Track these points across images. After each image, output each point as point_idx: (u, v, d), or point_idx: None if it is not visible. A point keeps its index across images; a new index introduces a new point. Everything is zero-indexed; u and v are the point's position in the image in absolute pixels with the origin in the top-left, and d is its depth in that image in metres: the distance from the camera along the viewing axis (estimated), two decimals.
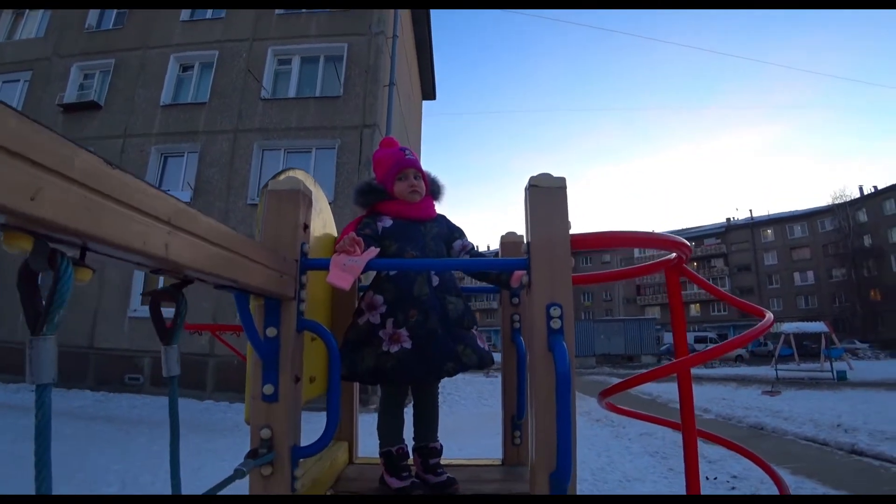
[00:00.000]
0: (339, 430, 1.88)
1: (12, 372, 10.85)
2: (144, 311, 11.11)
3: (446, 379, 1.80)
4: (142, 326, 10.71)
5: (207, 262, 0.81)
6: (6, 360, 11.14)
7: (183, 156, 12.38)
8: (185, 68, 13.07)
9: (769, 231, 49.89)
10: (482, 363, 1.72)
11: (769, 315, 1.70)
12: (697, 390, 13.77)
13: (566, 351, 1.08)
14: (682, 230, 54.58)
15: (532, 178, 1.25)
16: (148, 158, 12.20)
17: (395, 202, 1.86)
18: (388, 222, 1.82)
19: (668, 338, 36.59)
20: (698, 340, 32.98)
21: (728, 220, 53.40)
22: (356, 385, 2.02)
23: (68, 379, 10.45)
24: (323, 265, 1.33)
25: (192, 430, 6.46)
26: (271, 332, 1.16)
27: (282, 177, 1.33)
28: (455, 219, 1.97)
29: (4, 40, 14.26)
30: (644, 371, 1.71)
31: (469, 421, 8.80)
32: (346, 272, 1.41)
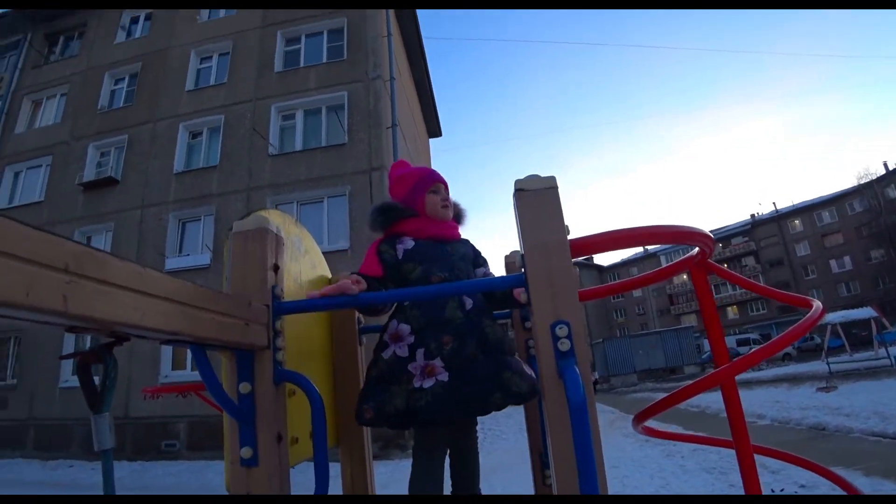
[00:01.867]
0: (352, 484, 1.71)
1: (50, 448, 11.01)
2: (175, 376, 11.15)
3: (480, 417, 1.54)
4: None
5: (135, 314, 0.69)
6: (44, 438, 11.29)
7: (200, 220, 12.59)
8: (195, 135, 13.43)
9: (797, 221, 48.34)
10: (533, 391, 1.47)
11: (817, 304, 1.50)
12: (747, 395, 13.14)
13: (579, 377, 0.90)
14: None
15: (518, 182, 1.11)
16: (167, 226, 12.43)
17: (417, 219, 1.69)
18: (409, 243, 1.64)
19: (708, 345, 35.45)
20: (741, 343, 31.83)
21: (753, 216, 52.12)
22: (367, 431, 1.80)
23: None
24: (298, 308, 1.21)
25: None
26: (245, 387, 1.03)
27: (250, 216, 1.23)
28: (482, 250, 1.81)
29: (25, 130, 14.92)
30: (684, 385, 1.52)
31: (511, 456, 8.45)
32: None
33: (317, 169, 12.05)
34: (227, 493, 0.81)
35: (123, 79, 14.63)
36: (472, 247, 1.79)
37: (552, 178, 1.12)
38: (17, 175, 14.58)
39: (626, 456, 6.85)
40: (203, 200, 12.46)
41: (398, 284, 1.59)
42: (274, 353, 1.09)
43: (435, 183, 1.72)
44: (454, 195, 1.80)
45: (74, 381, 11.37)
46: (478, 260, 1.75)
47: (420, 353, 1.45)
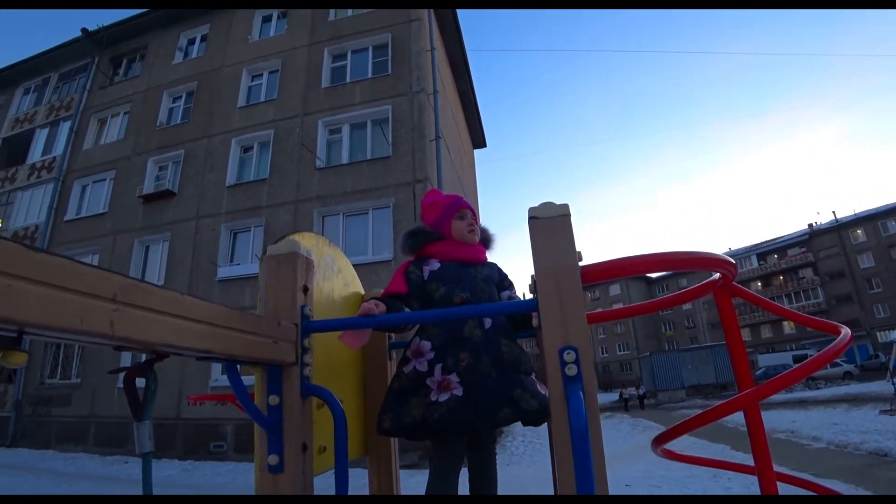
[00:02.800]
0: (379, 492, 1.79)
1: (108, 444, 11.68)
2: (224, 381, 11.59)
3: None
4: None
5: (173, 335, 0.79)
6: (104, 435, 11.97)
7: (250, 230, 13.06)
8: (246, 149, 13.99)
9: (859, 231, 45.42)
10: (543, 411, 1.50)
11: (845, 331, 1.48)
12: (802, 416, 12.50)
13: (582, 402, 0.94)
14: (761, 244, 51.19)
15: (531, 210, 1.16)
16: (219, 236, 12.96)
17: (444, 243, 1.78)
18: (435, 265, 1.72)
19: (763, 360, 33.77)
20: (797, 360, 30.27)
21: (810, 225, 49.44)
22: (395, 442, 1.88)
23: (158, 449, 10.98)
24: (325, 327, 1.29)
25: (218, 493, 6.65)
26: (273, 399, 1.12)
27: (282, 241, 1.32)
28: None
29: (92, 146, 15.95)
30: (705, 409, 1.51)
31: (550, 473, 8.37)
32: (356, 333, 1.37)
33: (362, 181, 12.31)
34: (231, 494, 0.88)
35: (180, 97, 15.45)
36: (499, 270, 1.85)
37: (565, 206, 1.16)
38: (84, 188, 15.59)
39: (672, 476, 6.67)
40: (253, 212, 12.94)
41: (423, 303, 1.67)
42: (301, 368, 1.17)
43: (461, 209, 1.80)
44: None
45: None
46: (503, 283, 1.81)
47: (438, 368, 1.52)
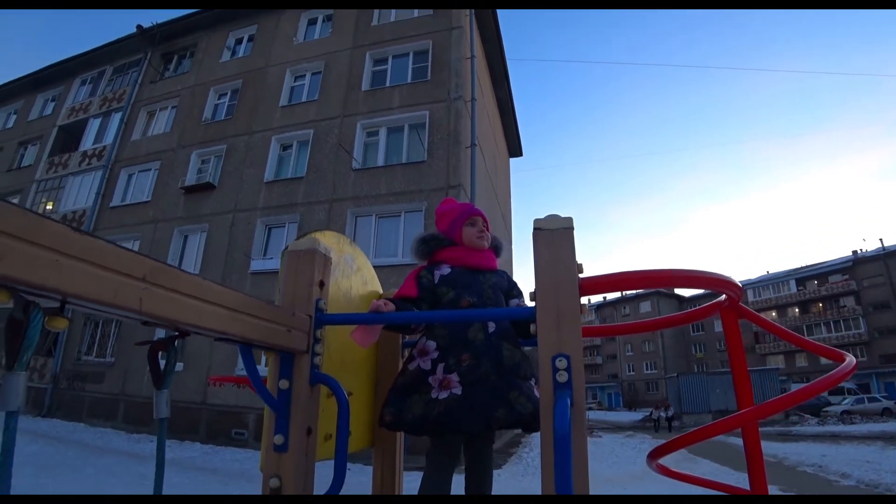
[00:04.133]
0: (382, 485, 1.86)
1: (135, 422, 12.14)
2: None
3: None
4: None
5: (195, 315, 0.88)
6: (132, 413, 12.43)
7: (284, 226, 13.37)
8: (285, 147, 14.36)
9: None
10: (538, 415, 1.58)
11: (849, 359, 1.49)
12: (834, 450, 12.03)
13: (568, 407, 0.99)
14: (801, 268, 49.39)
15: (536, 221, 1.22)
16: (254, 230, 13.32)
17: (456, 249, 1.86)
18: (446, 270, 1.80)
19: (796, 388, 32.60)
20: (833, 393, 29.14)
21: (855, 252, 47.48)
22: (399, 437, 1.95)
23: (183, 431, 11.36)
24: (336, 320, 1.37)
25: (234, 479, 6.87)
26: (283, 384, 1.21)
27: (303, 238, 1.41)
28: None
29: (140, 137, 16.63)
30: (706, 425, 1.52)
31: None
32: (365, 331, 1.45)
33: (396, 184, 12.46)
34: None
35: (226, 94, 15.99)
36: (508, 278, 1.92)
37: (569, 219, 1.22)
38: (130, 177, 16.26)
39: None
40: (289, 209, 13.25)
41: (432, 306, 1.74)
42: (312, 357, 1.26)
43: (472, 216, 1.89)
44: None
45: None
46: (512, 291, 1.87)
47: (440, 367, 1.59)
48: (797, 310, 47.13)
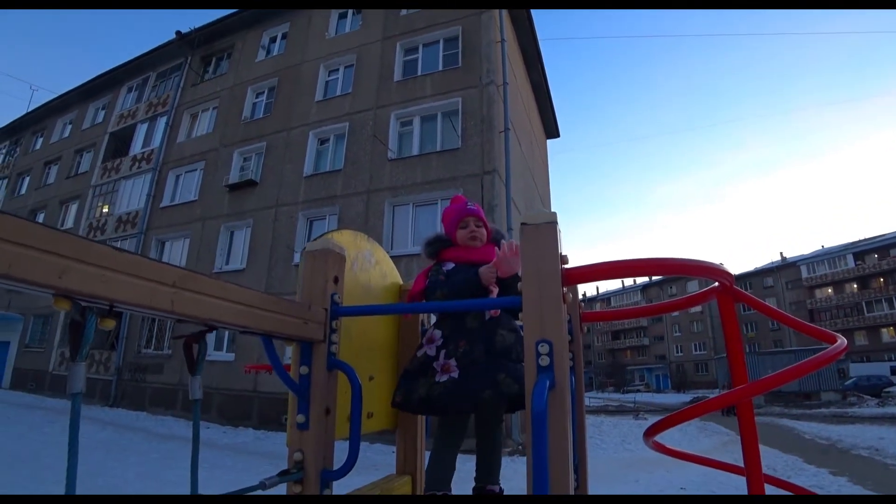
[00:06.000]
0: (404, 463, 2.02)
1: (163, 406, 13.29)
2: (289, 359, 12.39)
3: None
4: None
5: (217, 312, 1.04)
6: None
7: (325, 219, 13.78)
8: (322, 141, 14.73)
9: None
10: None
11: (841, 340, 1.54)
12: (894, 433, 11.48)
13: (545, 389, 1.09)
14: (859, 241, 46.75)
15: (522, 217, 1.33)
16: (296, 223, 13.78)
17: (456, 248, 2.06)
18: (450, 266, 1.99)
19: (855, 370, 31.21)
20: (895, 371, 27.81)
21: None
22: (420, 419, 2.10)
23: (236, 418, 11.99)
24: (350, 311, 1.52)
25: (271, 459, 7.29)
26: (304, 370, 1.38)
27: (319, 239, 1.57)
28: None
29: (185, 139, 17.36)
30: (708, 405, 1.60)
31: (607, 467, 8.35)
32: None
33: (432, 173, 12.60)
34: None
35: (263, 92, 16.50)
36: None
37: (553, 214, 1.32)
38: (177, 178, 17.07)
39: (731, 483, 6.49)
40: (329, 201, 13.63)
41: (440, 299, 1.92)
42: (329, 346, 1.42)
43: (463, 219, 2.06)
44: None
45: (215, 356, 13.10)
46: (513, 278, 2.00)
47: (443, 353, 1.78)
48: (856, 285, 44.86)
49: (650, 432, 1.58)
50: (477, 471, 1.89)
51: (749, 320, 53.95)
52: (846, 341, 1.49)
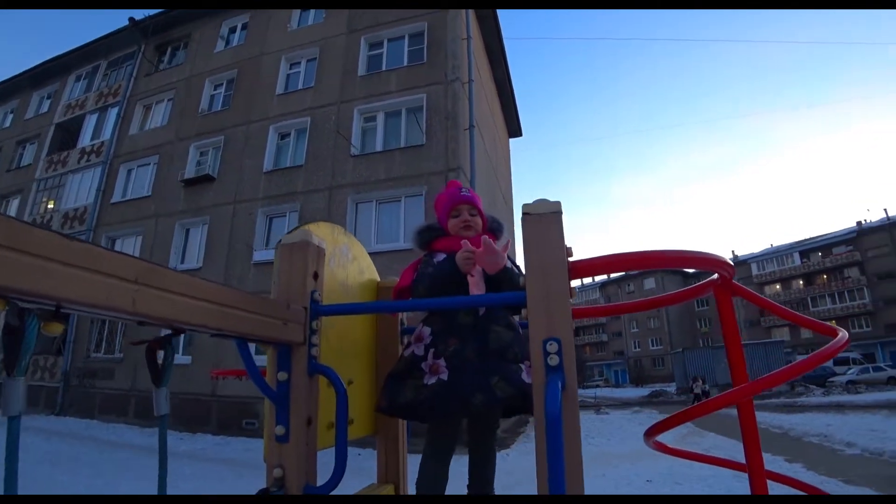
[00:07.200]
0: (386, 471, 1.89)
1: (147, 417, 12.41)
2: (259, 361, 12.03)
3: None
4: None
5: (187, 313, 0.89)
6: (143, 408, 12.63)
7: (285, 216, 13.38)
8: (283, 136, 14.31)
9: None
10: (520, 398, 1.50)
11: (842, 333, 1.50)
12: (839, 420, 12.08)
13: (558, 391, 1.00)
14: (805, 240, 49.17)
15: (525, 206, 1.22)
16: (256, 220, 13.34)
17: (448, 239, 1.88)
18: (441, 258, 1.81)
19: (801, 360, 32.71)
20: (839, 363, 29.24)
21: (859, 223, 47.18)
22: (401, 423, 1.98)
23: (193, 424, 11.52)
24: (333, 311, 1.39)
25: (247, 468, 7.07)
26: (282, 376, 1.23)
27: (296, 230, 1.42)
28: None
29: (138, 132, 16.58)
30: (688, 406, 1.54)
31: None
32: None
33: (395, 169, 12.41)
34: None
35: (222, 84, 15.89)
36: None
37: (557, 203, 1.22)
38: (129, 172, 16.27)
39: (694, 473, 6.61)
40: (289, 198, 13.24)
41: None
42: (309, 348, 1.28)
43: (455, 207, 1.89)
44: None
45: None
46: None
47: (431, 352, 1.61)
48: (801, 282, 47.11)
49: (651, 433, 1.51)
50: (470, 479, 1.75)
51: (702, 316, 55.87)
52: (847, 335, 1.45)
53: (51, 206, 17.42)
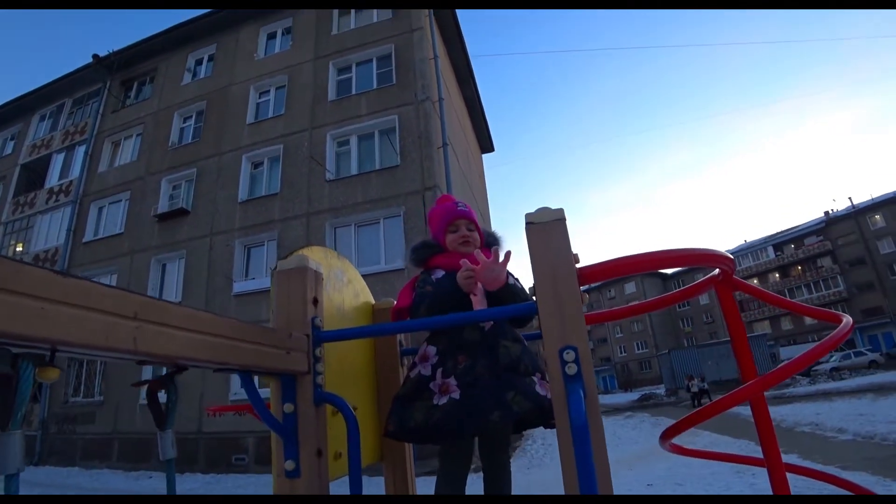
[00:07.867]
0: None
1: (132, 460, 11.90)
2: (244, 392, 11.72)
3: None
4: None
5: (191, 349, 0.84)
6: (127, 450, 12.17)
7: (263, 245, 13.20)
8: (256, 165, 14.18)
9: (878, 216, 43.72)
10: (539, 411, 1.48)
11: (846, 319, 1.51)
12: (827, 408, 12.25)
13: (582, 400, 0.98)
14: (777, 234, 50.38)
15: (528, 216, 1.20)
16: (233, 251, 13.13)
17: (446, 255, 1.83)
18: (440, 274, 1.76)
19: (786, 352, 33.21)
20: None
21: (827, 213, 48.51)
22: (408, 447, 1.92)
23: (181, 463, 11.16)
24: (335, 336, 1.34)
25: None
26: (288, 407, 1.17)
27: (291, 256, 1.38)
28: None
29: (107, 168, 16.29)
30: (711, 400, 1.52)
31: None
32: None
33: (372, 191, 12.38)
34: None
35: (191, 116, 15.74)
36: (508, 273, 1.88)
37: (560, 211, 1.20)
38: (100, 210, 15.91)
39: (693, 474, 6.59)
40: (266, 227, 13.09)
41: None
42: (314, 377, 1.22)
43: (452, 222, 1.85)
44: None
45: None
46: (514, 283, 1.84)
47: (439, 372, 1.55)
48: (777, 275, 48.13)
49: (666, 436, 1.48)
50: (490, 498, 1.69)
51: (684, 316, 56.60)
52: (851, 320, 1.46)
53: (19, 248, 16.92)
